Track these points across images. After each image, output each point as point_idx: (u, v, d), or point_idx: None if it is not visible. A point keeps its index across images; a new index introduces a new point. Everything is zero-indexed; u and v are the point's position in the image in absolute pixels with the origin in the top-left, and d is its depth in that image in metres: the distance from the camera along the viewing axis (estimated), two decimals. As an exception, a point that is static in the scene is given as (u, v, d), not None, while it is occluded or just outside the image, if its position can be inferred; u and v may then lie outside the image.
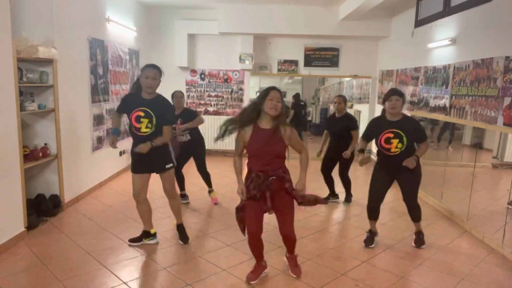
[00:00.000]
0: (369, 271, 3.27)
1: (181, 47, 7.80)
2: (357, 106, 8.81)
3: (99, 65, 5.38)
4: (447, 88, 4.89)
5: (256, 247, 2.99)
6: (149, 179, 3.57)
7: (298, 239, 3.87)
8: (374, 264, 3.40)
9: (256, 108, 2.83)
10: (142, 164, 3.45)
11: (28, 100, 4.01)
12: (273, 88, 2.82)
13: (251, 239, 2.93)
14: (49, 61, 4.19)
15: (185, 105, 4.89)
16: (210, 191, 5.04)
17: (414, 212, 3.73)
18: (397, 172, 3.57)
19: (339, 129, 4.89)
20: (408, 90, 6.15)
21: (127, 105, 3.41)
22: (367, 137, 3.73)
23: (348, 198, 5.16)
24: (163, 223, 4.20)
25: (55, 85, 4.27)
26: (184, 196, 4.95)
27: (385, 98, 3.49)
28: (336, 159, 4.98)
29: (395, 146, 3.43)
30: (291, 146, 2.94)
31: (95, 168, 5.40)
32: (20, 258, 3.33)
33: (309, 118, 10.60)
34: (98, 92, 5.41)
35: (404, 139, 3.41)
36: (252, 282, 3.00)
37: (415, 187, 3.63)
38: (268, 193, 2.82)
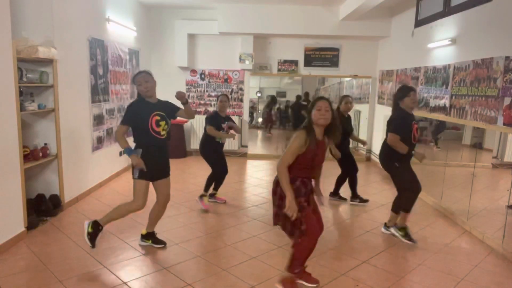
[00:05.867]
0: (369, 271, 3.27)
1: (181, 47, 7.80)
2: (357, 106, 8.80)
3: (99, 65, 5.38)
4: (447, 88, 4.89)
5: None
6: None
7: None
8: (374, 264, 3.40)
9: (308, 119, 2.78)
10: (157, 171, 3.42)
11: (28, 100, 4.01)
12: (320, 98, 2.77)
13: (314, 242, 2.83)
14: (49, 61, 4.19)
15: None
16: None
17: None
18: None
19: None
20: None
21: (137, 113, 3.31)
22: (400, 133, 3.76)
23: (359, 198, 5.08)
24: (163, 223, 4.18)
25: (55, 85, 4.27)
26: (213, 195, 4.98)
27: (405, 94, 3.81)
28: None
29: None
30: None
31: (95, 168, 5.40)
32: (20, 258, 3.33)
33: None
34: (98, 92, 5.42)
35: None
36: None
37: None
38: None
